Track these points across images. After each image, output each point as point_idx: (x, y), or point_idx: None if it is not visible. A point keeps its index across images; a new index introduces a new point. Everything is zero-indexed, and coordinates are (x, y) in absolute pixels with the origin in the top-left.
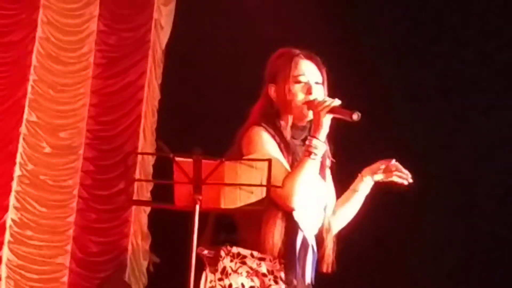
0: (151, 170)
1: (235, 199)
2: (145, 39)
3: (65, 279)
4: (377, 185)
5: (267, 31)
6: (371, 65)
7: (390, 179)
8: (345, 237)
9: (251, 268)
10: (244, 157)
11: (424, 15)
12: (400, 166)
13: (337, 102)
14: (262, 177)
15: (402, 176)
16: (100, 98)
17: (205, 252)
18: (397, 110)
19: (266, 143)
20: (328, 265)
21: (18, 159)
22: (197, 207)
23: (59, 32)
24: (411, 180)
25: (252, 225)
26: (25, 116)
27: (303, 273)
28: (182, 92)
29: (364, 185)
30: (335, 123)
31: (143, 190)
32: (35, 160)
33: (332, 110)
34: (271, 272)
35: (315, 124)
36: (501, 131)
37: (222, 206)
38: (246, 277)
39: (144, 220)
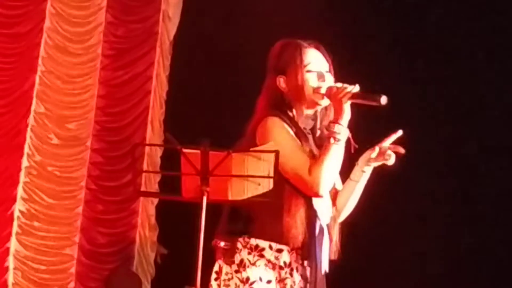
0: (158, 161)
1: (242, 191)
2: (153, 31)
3: (73, 270)
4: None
5: (275, 22)
6: (375, 55)
7: (383, 162)
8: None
9: (269, 261)
10: (251, 149)
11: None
12: (387, 145)
13: (357, 88)
14: (269, 168)
15: (395, 150)
16: (108, 90)
17: (222, 244)
18: (400, 99)
19: (285, 133)
20: (335, 253)
21: (26, 150)
22: (205, 198)
23: (67, 24)
24: (402, 151)
25: (271, 215)
26: (33, 107)
27: (320, 262)
28: (190, 84)
29: (364, 175)
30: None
31: (151, 182)
32: (43, 151)
33: (355, 96)
34: (288, 264)
35: (336, 110)
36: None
37: (230, 197)
38: (264, 270)
39: (152, 211)
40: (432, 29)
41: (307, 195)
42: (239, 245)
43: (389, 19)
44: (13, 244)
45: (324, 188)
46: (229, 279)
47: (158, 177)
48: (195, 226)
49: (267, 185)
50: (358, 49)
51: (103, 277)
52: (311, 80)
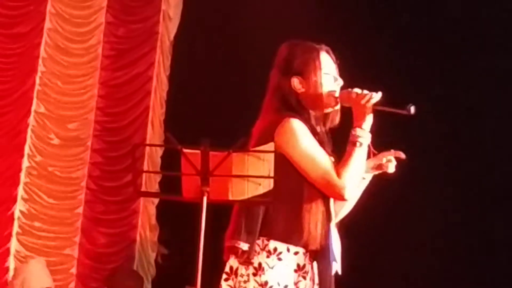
0: (159, 161)
1: (243, 191)
2: (154, 31)
3: (74, 270)
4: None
5: (275, 22)
6: (374, 55)
7: (383, 170)
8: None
9: (286, 264)
10: (251, 149)
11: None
12: (390, 157)
13: (379, 95)
14: (270, 168)
15: (396, 155)
16: (108, 90)
17: (240, 245)
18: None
19: (308, 135)
20: None
21: (27, 150)
22: (205, 198)
23: (68, 24)
24: (403, 156)
25: (290, 217)
26: (33, 107)
27: (332, 263)
28: (190, 84)
29: (363, 181)
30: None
31: (152, 182)
32: (43, 152)
33: (381, 103)
34: (302, 267)
35: (359, 115)
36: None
37: (230, 197)
38: (282, 274)
39: (152, 211)
40: (433, 27)
41: (331, 197)
42: (257, 248)
43: (389, 18)
44: (13, 245)
45: (351, 192)
46: (245, 281)
47: (158, 177)
48: (196, 226)
49: (268, 185)
50: (357, 49)
51: (104, 277)
52: (328, 83)
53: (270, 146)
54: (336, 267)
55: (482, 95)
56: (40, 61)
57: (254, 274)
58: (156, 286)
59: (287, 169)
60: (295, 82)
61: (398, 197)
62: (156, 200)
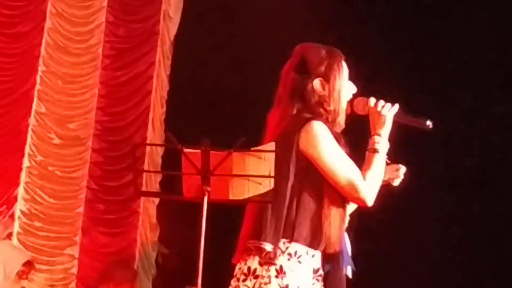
0: (159, 161)
1: (243, 190)
2: (154, 30)
3: (74, 270)
4: None
5: (276, 21)
6: (377, 58)
7: (388, 182)
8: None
9: (305, 268)
10: (252, 149)
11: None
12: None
13: (397, 107)
14: (270, 168)
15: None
16: (109, 89)
17: (266, 245)
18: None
19: (331, 139)
20: None
21: (27, 150)
22: (205, 198)
23: (68, 23)
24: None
25: (311, 220)
26: (33, 107)
27: (346, 266)
28: (190, 83)
29: None
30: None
31: (152, 181)
32: (44, 151)
33: (399, 115)
34: (316, 270)
35: (377, 123)
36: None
37: (231, 197)
38: (302, 278)
39: (153, 211)
40: (435, 31)
41: (352, 203)
42: (278, 251)
43: (391, 21)
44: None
45: (373, 198)
46: (265, 283)
47: (159, 177)
48: (196, 226)
49: (268, 184)
50: (359, 52)
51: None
52: (349, 90)
53: (271, 145)
54: (349, 271)
55: (482, 96)
56: (40, 60)
57: (276, 276)
58: (156, 286)
59: (309, 172)
60: (317, 84)
61: (398, 200)
62: (157, 200)
